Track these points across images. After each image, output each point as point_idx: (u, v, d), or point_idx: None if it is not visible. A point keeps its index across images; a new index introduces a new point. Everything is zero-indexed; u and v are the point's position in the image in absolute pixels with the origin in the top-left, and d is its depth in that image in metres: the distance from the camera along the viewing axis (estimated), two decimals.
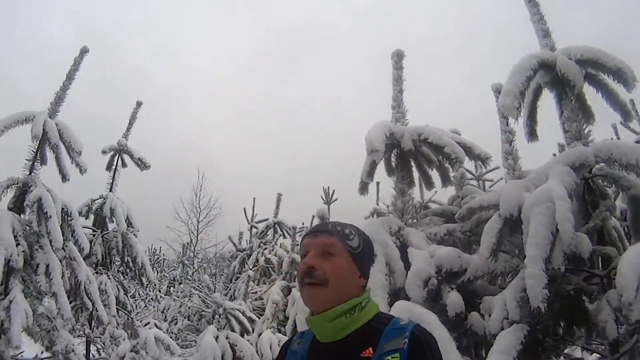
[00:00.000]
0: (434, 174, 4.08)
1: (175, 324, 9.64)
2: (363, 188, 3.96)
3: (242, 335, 5.40)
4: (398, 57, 4.11)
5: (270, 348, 5.36)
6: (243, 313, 5.30)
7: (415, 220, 3.88)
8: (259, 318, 5.81)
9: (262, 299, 6.91)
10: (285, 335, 5.95)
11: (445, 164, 3.87)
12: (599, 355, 3.15)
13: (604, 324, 2.71)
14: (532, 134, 3.41)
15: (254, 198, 12.63)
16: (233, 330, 5.19)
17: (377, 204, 15.61)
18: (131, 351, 4.65)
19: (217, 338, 4.98)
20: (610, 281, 2.91)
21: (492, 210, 3.26)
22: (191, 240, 18.57)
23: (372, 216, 15.68)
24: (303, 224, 12.14)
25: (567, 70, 3.11)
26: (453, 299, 2.93)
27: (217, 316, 5.24)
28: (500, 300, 2.79)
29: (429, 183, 4.03)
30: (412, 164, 3.92)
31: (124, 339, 5.27)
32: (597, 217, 2.99)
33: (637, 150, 2.84)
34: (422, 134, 3.65)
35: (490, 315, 2.79)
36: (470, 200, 3.80)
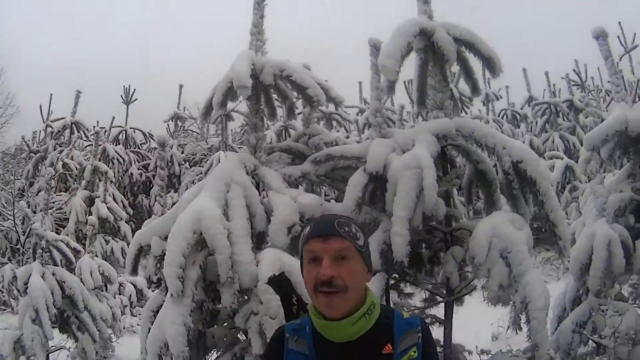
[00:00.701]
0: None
1: None
2: (207, 114, 3.83)
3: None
4: None
5: (91, 275, 4.95)
6: (67, 244, 4.72)
7: (266, 157, 3.85)
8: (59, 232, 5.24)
9: (62, 210, 6.20)
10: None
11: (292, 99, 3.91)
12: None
13: (449, 275, 3.21)
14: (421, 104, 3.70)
15: (51, 94, 12.14)
16: (56, 264, 4.61)
17: (179, 108, 15.02)
18: None
19: (43, 276, 4.40)
20: (453, 238, 3.42)
21: (351, 162, 3.46)
22: None
23: (173, 120, 14.99)
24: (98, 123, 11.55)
25: (445, 45, 3.33)
26: None
27: (39, 250, 4.55)
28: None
29: (272, 115, 4.02)
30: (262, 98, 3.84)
31: None
32: (447, 182, 3.40)
33: (495, 136, 3.26)
34: (285, 71, 3.57)
35: None
36: (317, 140, 3.91)
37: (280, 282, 2.62)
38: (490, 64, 3.42)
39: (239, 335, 3.12)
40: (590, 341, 4.15)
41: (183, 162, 13.59)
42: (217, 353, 3.20)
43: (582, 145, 11.01)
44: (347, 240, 1.60)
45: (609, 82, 15.48)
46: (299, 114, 4.49)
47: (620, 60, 11.40)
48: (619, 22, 12.03)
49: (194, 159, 14.34)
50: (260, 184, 3.47)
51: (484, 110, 14.76)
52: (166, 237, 3.22)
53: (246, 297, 2.94)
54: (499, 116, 14.50)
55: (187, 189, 11.50)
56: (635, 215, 4.61)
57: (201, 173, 12.03)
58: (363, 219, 3.22)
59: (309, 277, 1.60)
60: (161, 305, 3.38)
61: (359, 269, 1.62)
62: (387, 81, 3.42)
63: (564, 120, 13.03)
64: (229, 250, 2.82)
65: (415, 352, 1.61)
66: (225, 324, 3.15)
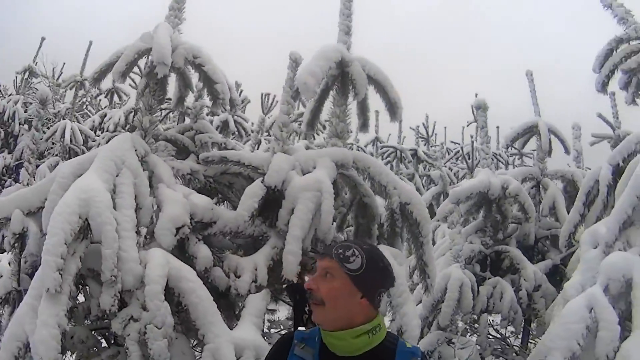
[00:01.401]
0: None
1: None
2: (99, 79, 3.55)
3: None
4: None
5: None
6: None
7: (155, 145, 3.64)
8: None
9: None
10: None
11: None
12: None
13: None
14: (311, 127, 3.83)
15: None
16: None
17: (35, 62, 13.23)
18: None
19: None
20: None
21: (247, 170, 3.45)
22: None
23: (24, 74, 13.03)
24: None
25: (358, 80, 3.48)
26: (204, 254, 2.94)
27: None
28: (250, 263, 3.01)
29: (162, 100, 3.78)
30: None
31: None
32: (334, 209, 3.53)
33: (388, 175, 3.46)
34: (198, 59, 3.42)
35: (235, 275, 2.99)
36: (206, 138, 3.84)
37: (294, 288, 2.44)
38: (394, 109, 3.64)
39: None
40: None
41: (23, 122, 12.10)
42: (71, 355, 2.90)
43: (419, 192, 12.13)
44: (334, 261, 1.77)
45: (451, 142, 17.39)
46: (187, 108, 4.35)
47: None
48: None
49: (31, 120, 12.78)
50: (148, 173, 3.22)
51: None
52: (29, 213, 3.00)
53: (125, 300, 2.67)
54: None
55: (22, 152, 10.42)
56: (481, 264, 5.29)
57: (42, 139, 10.82)
58: (251, 232, 3.21)
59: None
60: (10, 293, 3.06)
61: (339, 288, 1.75)
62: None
63: (405, 167, 14.07)
64: (117, 245, 2.57)
65: None
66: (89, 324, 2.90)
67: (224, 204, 3.75)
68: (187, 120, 4.55)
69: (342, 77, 3.63)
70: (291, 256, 2.92)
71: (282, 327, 3.65)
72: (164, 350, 2.46)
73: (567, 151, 6.15)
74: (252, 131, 9.38)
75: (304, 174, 3.28)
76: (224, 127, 8.01)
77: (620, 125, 6.60)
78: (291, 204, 3.09)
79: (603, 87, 4.56)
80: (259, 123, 8.27)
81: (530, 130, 5.88)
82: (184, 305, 2.64)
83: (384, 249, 3.39)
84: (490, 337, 5.72)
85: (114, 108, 12.70)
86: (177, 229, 2.91)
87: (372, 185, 3.52)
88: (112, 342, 2.96)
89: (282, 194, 3.16)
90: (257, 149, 8.62)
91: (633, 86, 4.35)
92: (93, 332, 2.93)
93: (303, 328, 1.93)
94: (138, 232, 2.90)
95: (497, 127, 14.09)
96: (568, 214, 5.38)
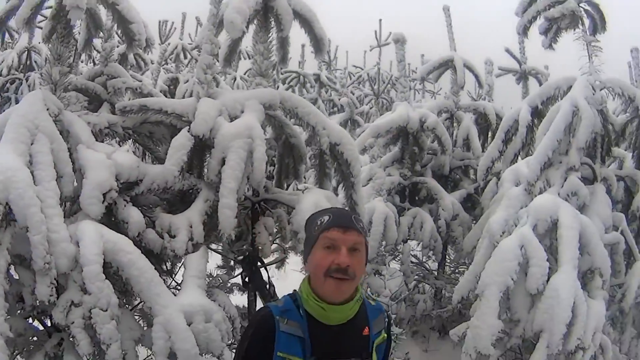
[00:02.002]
0: None
1: None
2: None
3: None
4: None
5: None
6: None
7: (65, 99, 3.27)
8: None
9: None
10: None
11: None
12: None
13: (262, 245, 3.24)
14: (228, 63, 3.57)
15: None
16: None
17: None
18: None
19: None
20: (262, 208, 3.46)
21: (170, 119, 3.21)
22: None
23: None
24: None
25: (283, 15, 3.30)
26: (136, 218, 2.70)
27: None
28: (184, 221, 2.84)
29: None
30: None
31: None
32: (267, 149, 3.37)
33: (317, 115, 3.35)
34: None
35: (170, 235, 2.82)
36: (119, 83, 3.49)
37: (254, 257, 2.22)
38: (319, 46, 3.54)
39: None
40: None
41: None
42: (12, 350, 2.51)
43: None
44: (361, 235, 1.79)
45: (353, 66, 17.34)
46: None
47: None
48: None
49: None
50: (64, 133, 2.85)
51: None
52: None
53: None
54: (245, 74, 14.60)
55: None
56: (400, 195, 5.45)
57: None
58: (181, 186, 3.02)
59: (323, 262, 1.72)
60: None
61: (364, 261, 1.82)
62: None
63: (307, 92, 13.95)
64: (45, 227, 2.27)
65: (384, 335, 1.90)
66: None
67: (145, 157, 3.49)
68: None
69: (264, 12, 3.41)
70: (228, 210, 2.77)
71: (220, 281, 3.53)
72: (113, 332, 2.28)
73: (480, 85, 6.35)
74: (152, 62, 8.85)
75: (231, 120, 3.10)
76: (122, 60, 7.44)
77: (526, 61, 6.90)
78: (221, 153, 2.91)
79: (524, 31, 4.74)
80: (161, 53, 7.78)
81: (446, 64, 5.97)
82: (124, 279, 2.44)
83: (318, 192, 3.37)
84: (412, 264, 5.97)
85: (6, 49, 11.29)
86: (104, 195, 2.63)
87: (301, 125, 3.44)
88: (55, 329, 2.60)
89: (212, 142, 2.97)
90: (157, 80, 8.18)
91: (552, 33, 4.55)
92: (30, 322, 2.65)
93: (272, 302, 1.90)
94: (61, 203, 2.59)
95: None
96: (481, 145, 5.64)
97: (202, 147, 3.07)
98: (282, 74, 13.92)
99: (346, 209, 1.96)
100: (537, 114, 4.72)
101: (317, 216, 1.84)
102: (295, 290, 1.89)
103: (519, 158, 4.77)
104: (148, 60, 9.13)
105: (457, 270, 6.40)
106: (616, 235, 4.11)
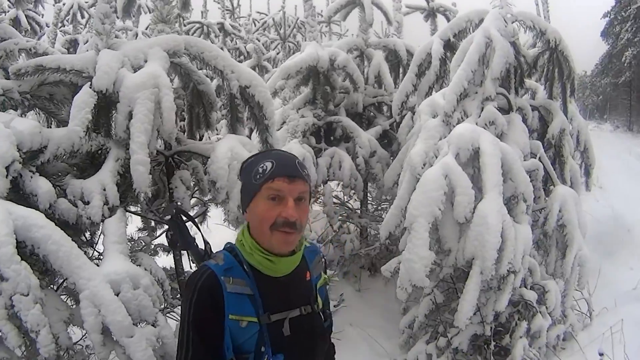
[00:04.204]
0: None
1: None
2: None
3: None
4: None
5: None
6: None
7: None
8: None
9: None
10: None
11: None
12: None
13: (180, 200, 3.22)
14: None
15: None
16: None
17: None
18: None
19: None
20: (176, 161, 3.38)
21: (69, 76, 2.94)
22: None
23: None
24: None
25: None
26: (45, 188, 2.46)
27: None
28: (96, 185, 2.62)
29: None
30: None
31: None
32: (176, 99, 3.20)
33: (225, 59, 3.20)
34: None
35: (84, 202, 2.61)
36: (11, 45, 3.22)
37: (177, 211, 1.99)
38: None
39: None
40: None
41: None
42: None
43: None
44: (307, 184, 1.68)
45: (257, 12, 16.93)
46: None
47: None
48: None
49: None
50: None
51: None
52: None
53: None
54: (146, 29, 14.05)
55: None
56: (316, 136, 5.40)
57: None
58: (89, 148, 2.79)
59: (268, 215, 1.60)
60: None
61: (308, 209, 1.74)
62: None
63: (212, 42, 13.58)
64: None
65: (324, 276, 1.87)
66: None
67: (48, 122, 3.20)
68: None
69: None
70: (140, 166, 2.58)
71: (143, 243, 3.37)
72: (40, 317, 2.06)
73: (389, 22, 6.32)
74: (47, 25, 8.23)
75: (135, 70, 2.89)
76: (15, 26, 6.83)
77: None
78: (127, 106, 2.71)
79: None
80: (55, 14, 7.17)
81: (353, 3, 5.87)
82: (42, 257, 2.22)
83: (233, 138, 3.26)
84: (334, 204, 5.99)
85: None
86: (7, 168, 2.38)
87: (209, 70, 3.27)
88: None
89: (116, 97, 2.76)
90: (55, 44, 7.63)
91: None
92: None
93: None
94: None
95: None
96: (393, 81, 5.67)
97: (107, 102, 2.83)
98: (184, 25, 13.42)
99: (288, 152, 1.80)
100: (450, 47, 4.78)
101: (256, 162, 1.68)
102: (231, 243, 1.76)
103: (434, 91, 4.81)
104: (43, 23, 8.47)
105: (379, 208, 6.49)
106: (534, 162, 4.28)
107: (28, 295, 2.04)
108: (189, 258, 2.74)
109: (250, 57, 11.22)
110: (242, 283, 1.61)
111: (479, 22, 4.54)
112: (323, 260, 1.89)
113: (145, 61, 2.95)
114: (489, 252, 3.39)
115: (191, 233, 1.94)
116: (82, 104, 2.69)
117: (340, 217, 5.96)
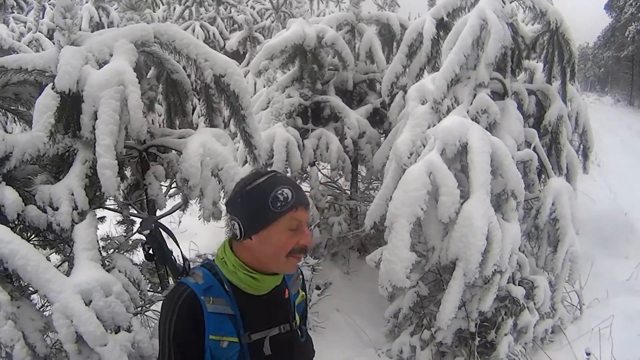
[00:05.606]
0: None
1: None
2: None
3: None
4: None
5: None
6: None
7: None
8: None
9: None
10: None
11: None
12: None
13: (155, 197, 3.24)
14: None
15: None
16: None
17: None
18: None
19: None
20: (150, 155, 3.36)
21: (33, 76, 2.88)
22: None
23: None
24: None
25: None
26: (12, 198, 2.46)
27: None
28: (64, 190, 2.59)
29: None
30: None
31: None
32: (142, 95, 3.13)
33: (198, 47, 3.12)
34: None
35: (53, 207, 2.59)
36: None
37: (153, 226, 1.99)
38: None
39: None
40: None
41: None
42: None
43: (221, 35, 11.71)
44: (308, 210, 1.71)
45: None
46: None
47: None
48: None
49: None
50: None
51: None
52: None
53: None
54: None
55: None
56: (303, 117, 5.31)
57: None
58: (55, 151, 2.75)
59: (288, 243, 1.62)
60: None
61: None
62: None
63: (205, 10, 13.31)
64: None
65: (302, 293, 1.89)
66: None
67: (16, 123, 3.15)
68: None
69: None
70: (107, 170, 2.56)
71: (117, 243, 3.35)
72: (13, 332, 2.16)
73: None
74: None
75: (100, 66, 2.82)
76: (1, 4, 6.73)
77: None
78: (92, 106, 2.67)
79: None
80: None
81: None
82: (11, 271, 2.26)
83: (206, 132, 3.22)
84: (322, 184, 5.96)
85: None
86: None
87: (180, 59, 3.19)
88: None
89: (80, 96, 2.70)
90: (43, 17, 7.50)
91: None
92: None
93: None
94: None
95: None
96: (386, 57, 5.54)
97: (73, 102, 2.78)
98: None
99: (286, 175, 1.79)
100: (443, 26, 4.63)
101: (270, 187, 1.63)
102: (209, 260, 1.77)
103: (425, 72, 4.71)
104: None
105: (370, 187, 6.46)
106: (528, 152, 4.21)
107: None
108: (165, 271, 2.73)
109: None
110: (223, 302, 1.61)
111: (475, 0, 4.38)
112: (301, 277, 1.91)
113: (111, 55, 2.88)
114: (473, 255, 3.37)
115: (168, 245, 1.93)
116: (44, 108, 2.65)
117: (328, 199, 5.93)
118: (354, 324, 4.86)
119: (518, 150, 4.10)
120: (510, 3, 4.34)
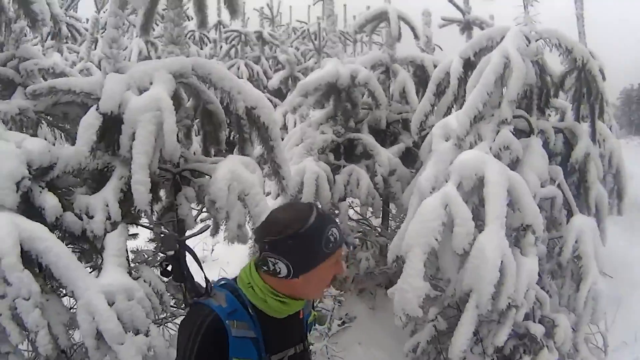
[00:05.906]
0: None
1: None
2: None
3: None
4: None
5: None
6: None
7: None
8: None
9: None
10: None
11: None
12: None
13: (184, 217, 3.45)
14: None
15: None
16: None
17: None
18: None
19: None
20: (182, 178, 3.58)
21: (80, 98, 3.21)
22: None
23: None
24: None
25: None
26: (52, 203, 2.74)
27: None
28: (100, 201, 2.88)
29: None
30: None
31: None
32: (178, 122, 3.37)
33: (232, 80, 3.39)
34: None
35: (88, 216, 2.87)
36: (31, 65, 3.56)
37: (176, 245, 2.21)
38: (234, 7, 3.60)
39: None
40: None
41: None
42: None
43: (265, 74, 12.18)
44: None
45: (296, 20, 17.24)
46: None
47: None
48: None
49: None
50: None
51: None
52: None
53: None
54: (186, 37, 14.38)
55: None
56: (335, 153, 5.54)
57: None
58: (95, 165, 3.05)
59: (329, 275, 1.76)
60: None
61: None
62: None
63: (251, 49, 13.89)
64: None
65: (315, 313, 2.02)
66: None
67: (62, 138, 3.49)
68: None
69: None
70: (140, 186, 2.82)
71: (145, 256, 3.59)
72: (39, 320, 2.38)
73: (416, 37, 6.39)
74: (87, 31, 8.71)
75: (141, 93, 3.12)
76: (55, 34, 7.30)
77: (470, 11, 6.96)
78: (131, 128, 2.95)
79: None
80: (93, 24, 7.62)
81: (380, 17, 6.00)
82: (45, 266, 2.52)
83: (235, 159, 3.45)
84: (353, 220, 6.12)
85: None
86: (17, 184, 2.68)
87: (215, 91, 3.48)
88: None
89: (121, 119, 3.00)
90: (94, 48, 8.05)
91: None
92: None
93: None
94: None
95: (345, 5, 14.23)
96: (418, 97, 5.74)
97: (114, 123, 3.08)
98: (224, 33, 13.83)
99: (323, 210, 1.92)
100: (470, 65, 4.77)
101: (322, 228, 1.70)
102: (229, 282, 1.85)
103: (452, 111, 4.86)
104: (83, 29, 9.02)
105: (400, 224, 6.57)
106: (552, 189, 4.28)
107: (29, 299, 2.35)
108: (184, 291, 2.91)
109: None
110: (246, 327, 1.68)
111: (500, 40, 4.49)
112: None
113: (151, 83, 3.17)
114: (486, 287, 3.44)
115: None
116: (88, 126, 2.95)
117: (357, 235, 6.07)
118: (374, 357, 4.93)
119: (542, 187, 4.17)
120: (537, 41, 4.47)
